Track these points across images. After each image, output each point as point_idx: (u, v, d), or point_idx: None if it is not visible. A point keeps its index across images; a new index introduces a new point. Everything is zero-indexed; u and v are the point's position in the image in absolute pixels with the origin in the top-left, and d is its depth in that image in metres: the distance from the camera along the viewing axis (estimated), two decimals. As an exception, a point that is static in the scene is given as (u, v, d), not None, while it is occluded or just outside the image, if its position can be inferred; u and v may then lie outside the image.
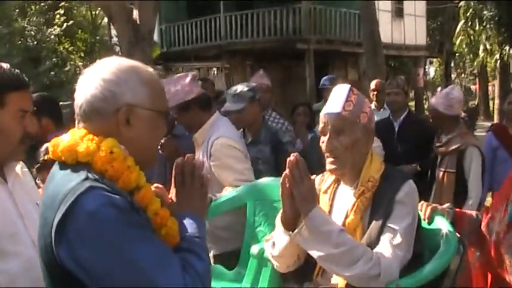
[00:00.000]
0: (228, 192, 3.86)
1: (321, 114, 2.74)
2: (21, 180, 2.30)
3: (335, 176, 2.80)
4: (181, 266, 1.66)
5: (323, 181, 2.84)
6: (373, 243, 2.51)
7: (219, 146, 3.91)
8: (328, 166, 2.72)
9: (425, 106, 25.67)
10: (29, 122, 2.18)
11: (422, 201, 3.05)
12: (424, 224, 2.91)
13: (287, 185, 2.50)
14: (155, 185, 1.95)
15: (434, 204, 3.08)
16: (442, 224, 2.88)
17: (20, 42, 9.09)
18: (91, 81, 1.76)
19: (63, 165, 1.74)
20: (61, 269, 1.64)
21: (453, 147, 4.82)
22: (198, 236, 1.79)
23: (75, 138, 1.74)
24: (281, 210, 2.60)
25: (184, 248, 1.74)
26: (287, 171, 2.47)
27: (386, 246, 2.48)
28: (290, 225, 2.57)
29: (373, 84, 7.33)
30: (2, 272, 2.05)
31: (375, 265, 2.39)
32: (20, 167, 2.33)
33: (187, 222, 1.83)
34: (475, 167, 4.78)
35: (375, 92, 7.11)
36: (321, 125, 2.72)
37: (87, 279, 1.61)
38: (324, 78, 7.68)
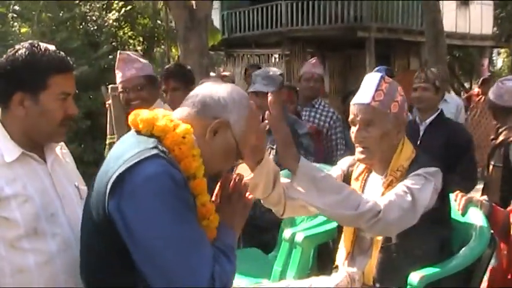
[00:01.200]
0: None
1: (351, 103, 2.73)
2: (61, 161, 2.35)
3: (365, 164, 2.82)
4: (214, 256, 1.77)
5: (355, 167, 2.87)
6: None
7: None
8: (357, 156, 2.72)
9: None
10: (71, 104, 2.23)
11: (457, 192, 3.04)
12: (458, 215, 2.91)
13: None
14: None
15: (470, 196, 3.06)
16: (476, 216, 2.87)
17: (81, 26, 9.36)
18: (223, 88, 2.00)
19: (138, 133, 1.90)
20: (107, 220, 1.76)
21: (500, 139, 4.71)
22: (231, 245, 1.91)
23: (157, 114, 1.92)
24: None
25: (219, 247, 1.85)
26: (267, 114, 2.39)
27: (390, 194, 2.49)
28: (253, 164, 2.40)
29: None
30: (40, 252, 2.11)
31: (376, 204, 2.42)
32: (60, 148, 2.39)
33: (225, 231, 1.94)
34: None
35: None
36: (351, 116, 2.71)
37: (125, 234, 1.72)
38: (377, 68, 7.18)
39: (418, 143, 4.46)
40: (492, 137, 4.87)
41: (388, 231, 2.49)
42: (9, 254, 2.09)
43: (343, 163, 2.94)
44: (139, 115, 1.92)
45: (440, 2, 13.56)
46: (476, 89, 10.42)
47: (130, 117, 1.95)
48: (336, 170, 2.91)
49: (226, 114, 1.93)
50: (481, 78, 10.29)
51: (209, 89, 1.99)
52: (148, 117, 1.89)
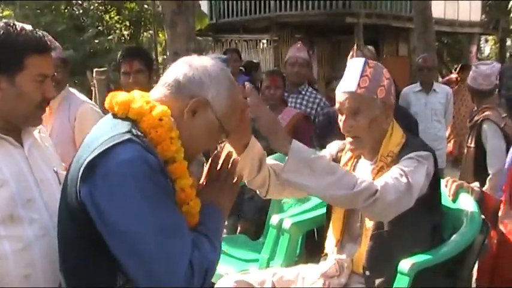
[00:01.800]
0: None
1: (336, 91, 2.66)
2: (40, 145, 2.28)
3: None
4: (193, 242, 1.70)
5: (344, 152, 2.80)
6: None
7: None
8: (348, 146, 2.67)
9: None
10: (49, 87, 2.16)
11: (448, 177, 3.00)
12: (448, 201, 2.86)
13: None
14: None
15: (460, 181, 3.02)
16: (467, 202, 2.84)
17: (66, 10, 9.22)
18: (194, 63, 1.88)
19: (114, 116, 1.84)
20: (79, 207, 1.70)
21: (474, 121, 4.78)
22: (216, 227, 1.85)
23: (134, 96, 1.85)
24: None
25: (201, 231, 1.79)
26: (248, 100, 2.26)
27: (385, 176, 2.44)
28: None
29: (421, 60, 6.85)
30: (17, 238, 2.06)
31: (372, 184, 2.37)
32: (38, 132, 2.32)
33: (210, 211, 1.87)
34: (489, 142, 4.63)
35: (423, 70, 6.71)
36: (337, 104, 2.63)
37: (98, 222, 1.66)
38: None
39: None
40: (469, 119, 4.98)
41: (386, 212, 2.42)
42: None
43: (332, 147, 2.88)
44: (115, 98, 1.86)
45: (429, -12, 13.53)
46: (453, 75, 10.26)
47: (107, 100, 1.89)
48: (324, 154, 2.84)
49: (203, 92, 1.85)
50: (459, 65, 10.16)
51: (182, 67, 1.89)
52: (124, 100, 1.83)
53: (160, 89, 1.88)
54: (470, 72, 5.01)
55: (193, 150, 1.90)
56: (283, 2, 19.97)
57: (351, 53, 4.59)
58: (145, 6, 14.64)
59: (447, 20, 21.77)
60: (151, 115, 1.77)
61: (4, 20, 2.20)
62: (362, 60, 2.65)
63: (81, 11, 9.45)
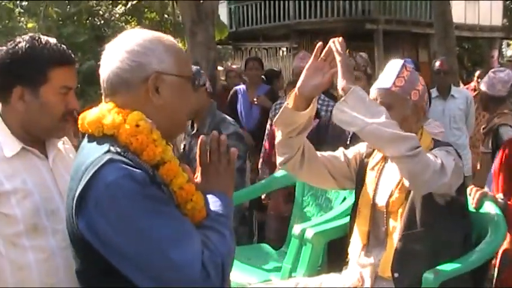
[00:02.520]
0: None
1: (371, 88, 2.75)
2: (64, 157, 2.30)
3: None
4: (201, 241, 1.66)
5: (371, 157, 2.81)
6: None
7: None
8: None
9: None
10: (72, 99, 2.17)
11: (472, 186, 2.98)
12: (472, 209, 2.84)
13: (322, 58, 2.52)
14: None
15: (485, 190, 3.01)
16: (491, 210, 2.81)
17: (87, 21, 9.33)
18: (116, 54, 1.78)
19: (91, 138, 1.78)
20: (82, 241, 1.67)
21: (489, 127, 4.76)
22: (222, 214, 1.78)
23: (102, 112, 1.77)
24: (296, 88, 2.58)
25: (206, 225, 1.75)
26: (330, 44, 2.50)
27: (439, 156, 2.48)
28: (298, 105, 2.56)
29: (438, 63, 6.59)
30: (40, 249, 2.07)
31: (434, 157, 2.42)
32: (62, 144, 2.34)
33: (213, 199, 1.82)
34: None
35: (439, 74, 6.48)
36: None
37: (103, 250, 1.63)
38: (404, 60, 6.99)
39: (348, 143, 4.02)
40: (483, 126, 4.96)
41: (424, 174, 2.39)
42: (9, 252, 2.05)
43: (361, 147, 2.90)
44: (86, 118, 1.81)
45: (449, -7, 13.47)
46: (472, 84, 10.06)
47: (79, 123, 1.84)
48: (353, 149, 2.93)
49: (148, 68, 1.76)
50: (478, 72, 9.90)
51: (109, 67, 1.79)
52: (94, 118, 1.77)
53: (117, 95, 1.79)
54: (486, 79, 4.90)
55: (180, 122, 1.90)
56: (302, 9, 20.02)
57: None
58: (165, 16, 14.77)
59: (467, 25, 21.67)
60: (126, 124, 1.72)
61: (30, 34, 2.23)
62: (401, 61, 2.75)
63: (102, 22, 9.56)
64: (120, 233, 1.60)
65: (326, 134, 4.29)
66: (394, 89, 2.64)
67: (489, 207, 2.84)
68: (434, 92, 6.37)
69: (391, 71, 2.70)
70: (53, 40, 2.18)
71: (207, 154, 1.90)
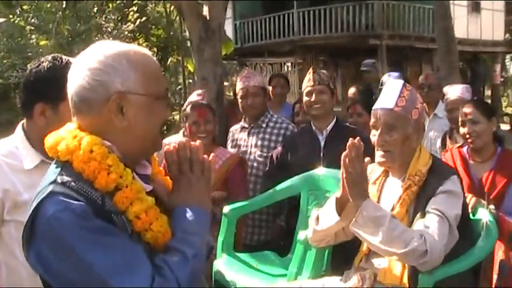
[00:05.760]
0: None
1: (373, 108, 2.85)
2: None
3: (384, 168, 2.93)
4: (152, 268, 1.58)
5: (372, 173, 2.95)
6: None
7: None
8: (378, 159, 2.83)
9: (504, 103, 24.97)
10: None
11: (467, 194, 3.16)
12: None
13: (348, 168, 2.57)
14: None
15: (478, 198, 3.19)
16: (484, 216, 2.98)
17: (97, 38, 9.56)
18: (78, 72, 1.67)
19: (54, 163, 1.72)
20: (34, 270, 1.64)
21: None
22: (190, 232, 1.69)
23: (61, 135, 1.71)
24: (338, 191, 2.70)
25: (170, 247, 1.67)
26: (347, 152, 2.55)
27: (433, 227, 2.56)
28: (340, 207, 2.69)
29: (423, 77, 6.18)
30: None
31: (423, 243, 2.48)
32: None
33: (184, 215, 1.71)
34: None
35: (423, 89, 5.87)
36: (372, 120, 2.83)
37: (54, 283, 1.60)
38: (386, 75, 6.91)
39: (321, 154, 4.07)
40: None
41: (435, 265, 2.56)
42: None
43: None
44: (47, 142, 1.73)
45: (451, 8, 13.60)
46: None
47: (45, 146, 1.76)
48: None
49: (110, 88, 1.64)
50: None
51: (73, 84, 1.68)
52: (52, 143, 1.70)
53: (80, 114, 1.70)
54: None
55: (149, 143, 1.75)
56: (306, 25, 20.17)
57: (307, 76, 4.24)
58: (171, 33, 14.98)
59: (470, 40, 21.78)
60: (80, 151, 1.63)
61: (53, 54, 2.40)
62: (401, 82, 2.87)
63: (111, 39, 9.79)
64: (63, 265, 1.55)
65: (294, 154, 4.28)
66: (397, 110, 2.75)
67: (482, 214, 3.00)
68: None
69: (392, 92, 2.81)
70: (73, 60, 2.35)
71: (177, 165, 1.79)
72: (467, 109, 3.83)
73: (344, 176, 2.57)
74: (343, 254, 3.07)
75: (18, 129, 2.38)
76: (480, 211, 3.04)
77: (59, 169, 1.65)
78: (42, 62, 2.32)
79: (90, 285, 1.54)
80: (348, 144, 2.54)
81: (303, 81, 4.31)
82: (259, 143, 4.68)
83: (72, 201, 1.55)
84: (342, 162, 2.56)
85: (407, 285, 2.66)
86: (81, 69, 1.66)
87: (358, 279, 2.76)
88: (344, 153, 2.54)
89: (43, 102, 2.27)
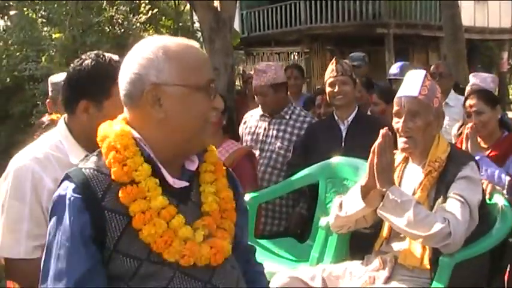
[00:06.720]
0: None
1: (397, 97, 2.97)
2: None
3: (405, 154, 3.03)
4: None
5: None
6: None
7: None
8: (401, 145, 2.94)
9: (511, 91, 24.92)
10: None
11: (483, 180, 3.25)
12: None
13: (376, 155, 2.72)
14: None
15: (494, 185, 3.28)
16: (499, 201, 3.07)
17: (109, 30, 9.63)
18: (124, 66, 1.73)
19: None
20: None
21: None
22: None
23: (105, 126, 1.80)
24: (364, 178, 2.84)
25: None
26: (379, 140, 2.70)
27: (455, 212, 2.67)
28: (366, 193, 2.83)
29: (434, 66, 6.18)
30: None
31: (447, 225, 2.60)
32: None
33: None
34: None
35: (435, 78, 5.53)
36: (395, 107, 2.95)
37: None
38: (394, 66, 6.73)
39: (342, 144, 4.12)
40: None
41: (458, 248, 2.69)
42: None
43: None
44: (99, 130, 1.81)
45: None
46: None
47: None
48: None
49: (146, 80, 1.67)
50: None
51: (122, 75, 1.74)
52: (101, 132, 1.79)
53: (126, 107, 1.77)
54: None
55: (190, 134, 1.73)
56: (313, 14, 20.18)
57: (330, 67, 4.27)
58: (181, 24, 15.01)
59: (477, 28, 21.76)
60: (105, 142, 1.72)
61: (95, 52, 2.43)
62: (423, 72, 2.99)
63: (122, 30, 9.87)
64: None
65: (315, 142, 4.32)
66: (421, 98, 2.88)
67: (498, 199, 3.10)
68: None
69: (415, 81, 2.93)
70: (115, 57, 2.36)
71: None
72: (471, 101, 3.93)
73: (375, 162, 2.71)
74: (361, 240, 3.17)
75: (61, 124, 2.41)
76: (495, 196, 3.13)
77: (93, 155, 1.73)
78: (85, 60, 2.33)
79: (45, 273, 1.66)
80: (382, 133, 2.69)
81: (314, 70, 4.46)
82: (280, 134, 4.64)
83: (74, 192, 1.63)
84: (373, 149, 2.70)
85: (428, 267, 2.76)
86: (126, 64, 1.72)
87: (380, 262, 2.87)
88: (377, 142, 2.69)
89: (87, 100, 2.29)
